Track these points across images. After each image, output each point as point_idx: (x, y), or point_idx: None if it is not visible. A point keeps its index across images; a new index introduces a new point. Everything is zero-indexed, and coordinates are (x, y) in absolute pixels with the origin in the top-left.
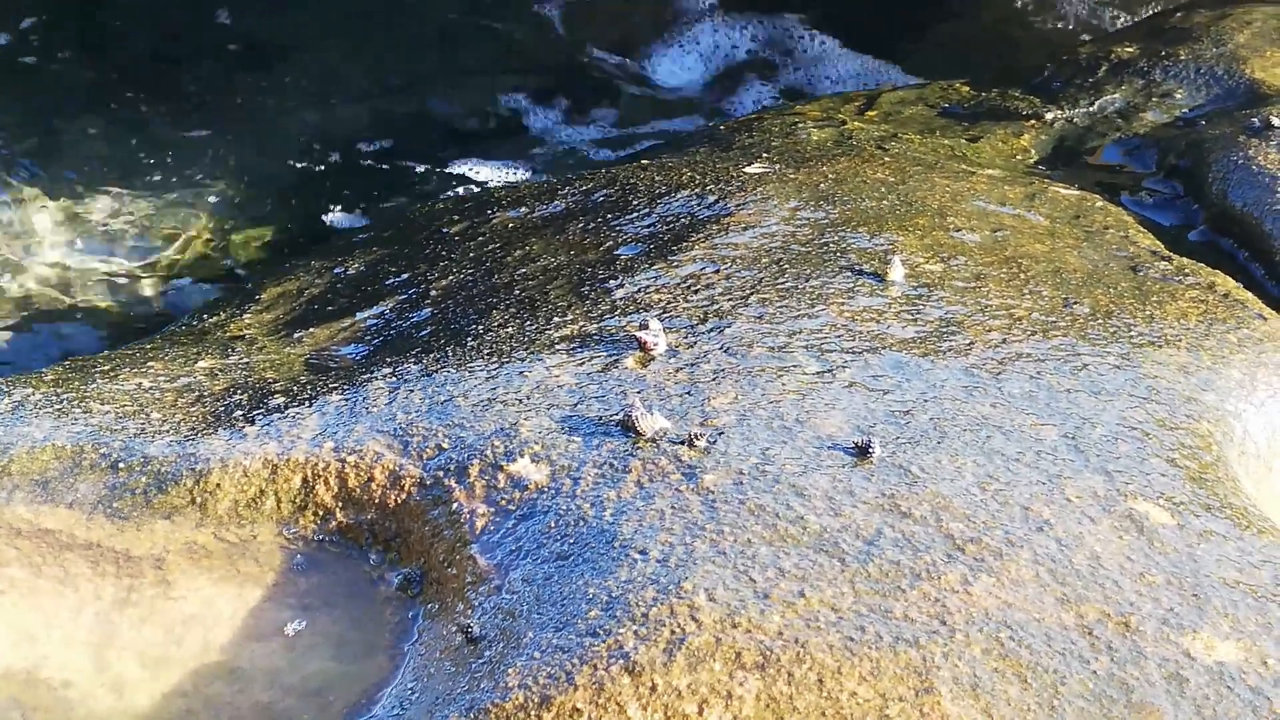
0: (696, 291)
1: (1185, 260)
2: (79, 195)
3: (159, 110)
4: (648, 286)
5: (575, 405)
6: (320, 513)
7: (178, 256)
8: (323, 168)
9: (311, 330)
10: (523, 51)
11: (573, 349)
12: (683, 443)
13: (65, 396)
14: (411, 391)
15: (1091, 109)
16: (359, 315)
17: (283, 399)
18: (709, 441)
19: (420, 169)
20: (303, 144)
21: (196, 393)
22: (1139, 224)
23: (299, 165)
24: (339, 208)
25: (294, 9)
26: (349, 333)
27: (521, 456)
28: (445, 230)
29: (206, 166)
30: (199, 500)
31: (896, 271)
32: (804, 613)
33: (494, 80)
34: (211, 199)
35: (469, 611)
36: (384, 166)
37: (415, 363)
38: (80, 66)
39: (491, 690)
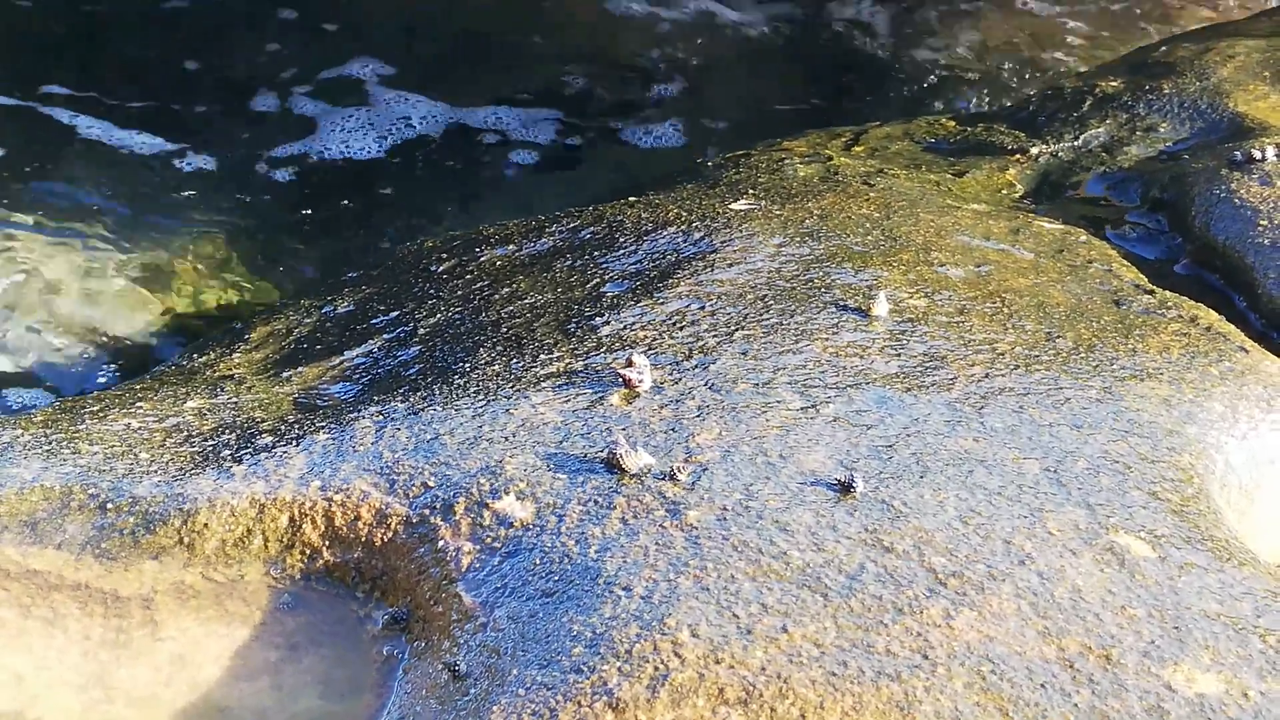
0: (682, 328)
1: (1168, 294)
2: (67, 236)
3: (148, 151)
4: (633, 323)
5: (560, 442)
6: (307, 552)
7: (166, 296)
8: (312, 208)
9: (300, 369)
10: (515, 86)
11: (558, 386)
12: (666, 479)
13: (54, 437)
14: (398, 430)
15: (1076, 143)
16: (347, 354)
17: (270, 438)
18: (693, 478)
19: (409, 206)
20: (292, 184)
21: (185, 433)
22: (1122, 257)
23: (288, 205)
24: (328, 247)
25: (279, 51)
26: (337, 371)
27: (507, 494)
28: (433, 268)
29: (194, 206)
30: (187, 540)
31: (881, 307)
32: (787, 648)
33: (485, 117)
34: (200, 239)
35: (454, 649)
36: (373, 205)
37: (402, 401)
38: (69, 108)
39: None
